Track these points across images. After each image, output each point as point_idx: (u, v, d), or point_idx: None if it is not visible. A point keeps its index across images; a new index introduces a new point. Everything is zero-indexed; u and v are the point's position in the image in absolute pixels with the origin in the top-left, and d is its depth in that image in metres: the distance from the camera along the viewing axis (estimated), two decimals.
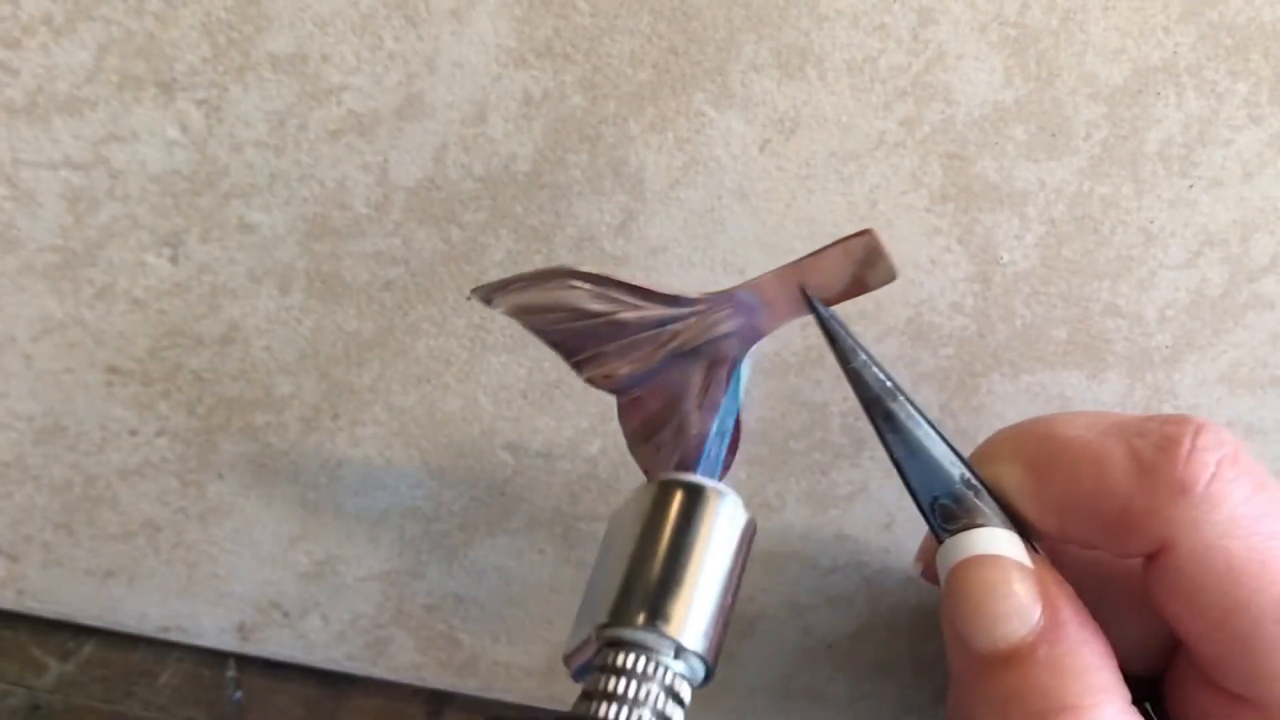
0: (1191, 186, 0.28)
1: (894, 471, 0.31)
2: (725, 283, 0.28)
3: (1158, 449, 0.21)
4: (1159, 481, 0.21)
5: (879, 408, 0.23)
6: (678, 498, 0.21)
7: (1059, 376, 0.30)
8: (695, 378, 0.24)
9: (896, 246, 0.28)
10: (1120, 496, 0.21)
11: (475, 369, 0.29)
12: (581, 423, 0.30)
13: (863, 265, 0.22)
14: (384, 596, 0.32)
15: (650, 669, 0.20)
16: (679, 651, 0.20)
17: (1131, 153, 0.27)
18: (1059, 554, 0.24)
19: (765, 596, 0.32)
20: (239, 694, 0.32)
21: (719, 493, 0.21)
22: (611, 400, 0.29)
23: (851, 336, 0.23)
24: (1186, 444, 0.21)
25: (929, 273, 0.28)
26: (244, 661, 0.33)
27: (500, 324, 0.28)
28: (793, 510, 0.31)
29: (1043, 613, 0.21)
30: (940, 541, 0.23)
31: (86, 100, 0.25)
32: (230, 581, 0.31)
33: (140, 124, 0.25)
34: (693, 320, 0.23)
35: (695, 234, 0.28)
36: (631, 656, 0.20)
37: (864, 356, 0.23)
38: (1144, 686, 0.22)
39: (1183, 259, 0.29)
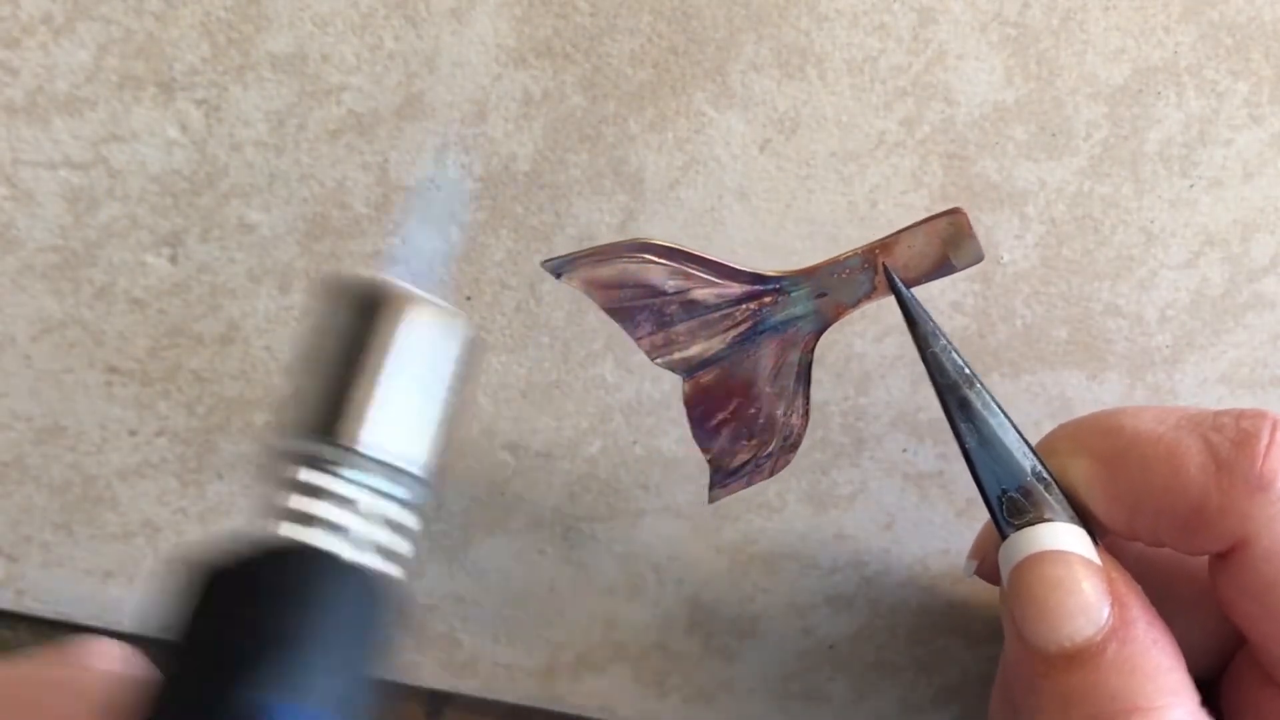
0: (1192, 186, 0.28)
1: (894, 470, 0.31)
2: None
3: (1235, 444, 0.21)
4: (1236, 477, 0.21)
5: (955, 395, 0.22)
6: (363, 300, 0.19)
7: (1059, 376, 0.30)
8: (766, 361, 0.23)
9: None
10: (1195, 492, 0.21)
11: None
12: (581, 423, 0.30)
13: (949, 244, 0.22)
14: None
15: (336, 485, 0.18)
16: (371, 463, 0.18)
17: (1132, 152, 0.27)
18: (1120, 552, 0.23)
19: (766, 597, 0.32)
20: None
21: (412, 293, 0.19)
22: (612, 401, 0.29)
23: (931, 320, 0.22)
24: (1265, 439, 0.21)
25: None
26: None
27: (500, 324, 0.28)
28: (793, 510, 0.31)
29: (1111, 611, 0.21)
30: (1004, 536, 0.22)
31: (86, 100, 0.25)
32: None
33: (140, 124, 0.25)
34: (768, 299, 0.22)
35: (695, 234, 0.27)
36: (314, 473, 0.18)
37: (944, 341, 0.22)
38: (1200, 689, 0.21)
39: (1183, 259, 0.29)
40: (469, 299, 0.28)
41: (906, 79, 0.26)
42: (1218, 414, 0.22)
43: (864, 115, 0.26)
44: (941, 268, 0.22)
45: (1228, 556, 0.21)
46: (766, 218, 0.27)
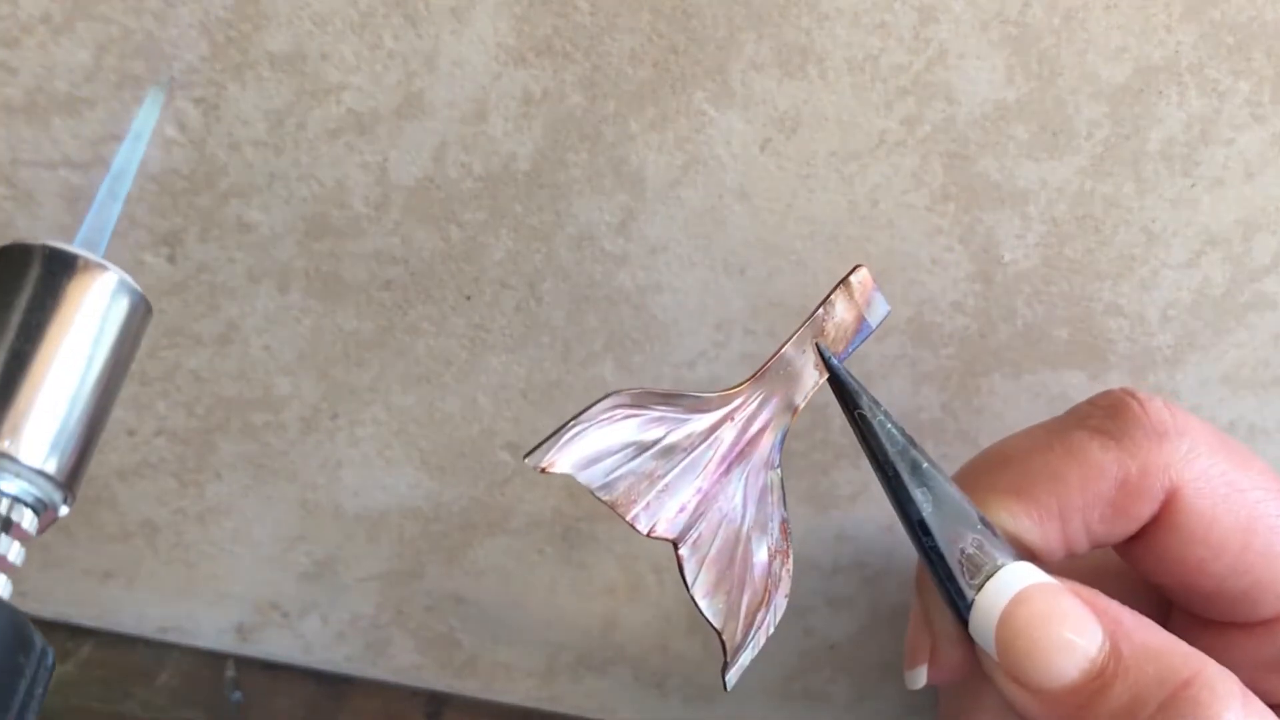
0: (1193, 186, 0.28)
1: None
2: (725, 282, 0.28)
3: (1112, 417, 0.22)
4: (1137, 439, 0.22)
5: (906, 459, 0.22)
6: (12, 269, 0.16)
7: (1061, 376, 0.30)
8: (743, 494, 0.23)
9: (897, 246, 0.28)
10: (1111, 470, 0.22)
11: (475, 369, 0.29)
12: None
13: (863, 305, 0.23)
14: (384, 597, 0.32)
15: None
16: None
17: (1133, 152, 0.27)
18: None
19: None
20: (238, 694, 0.32)
21: (66, 259, 0.16)
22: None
23: (865, 391, 0.22)
24: (1133, 402, 0.22)
25: (930, 272, 0.28)
26: (243, 662, 0.33)
27: (500, 324, 0.28)
28: (794, 511, 0.31)
29: (1098, 620, 0.21)
30: (968, 604, 0.22)
31: (86, 100, 0.25)
32: (229, 582, 0.31)
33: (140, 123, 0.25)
34: (729, 423, 0.23)
35: (695, 233, 0.27)
36: None
37: (883, 409, 0.22)
38: None
39: (1185, 258, 0.29)
40: (469, 299, 0.28)
41: (907, 78, 0.26)
42: (1074, 409, 0.23)
43: (865, 114, 0.26)
44: (860, 330, 0.23)
45: (1160, 517, 0.22)
46: (767, 217, 0.27)
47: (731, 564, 0.23)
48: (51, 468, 0.16)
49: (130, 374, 0.28)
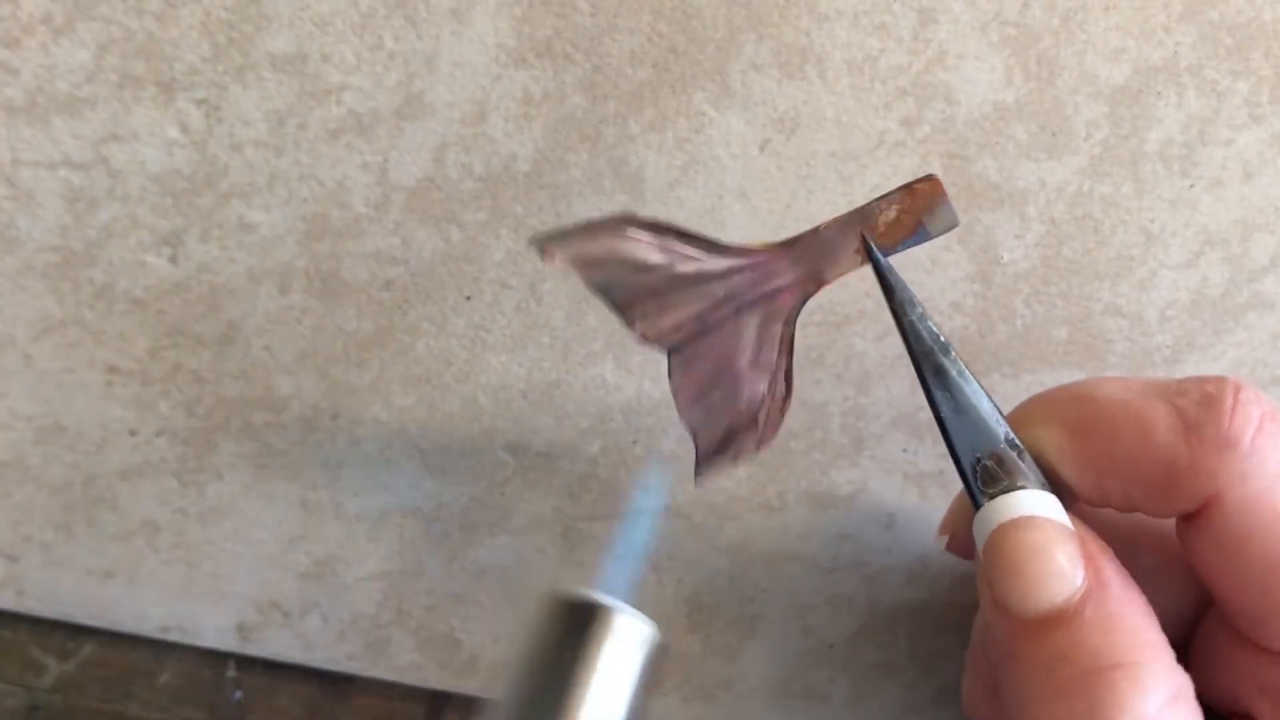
0: (1192, 186, 0.28)
1: (894, 470, 0.31)
2: None
3: (1201, 406, 0.22)
4: (1205, 437, 0.21)
5: (930, 362, 0.23)
6: (569, 616, 0.20)
7: (1060, 376, 0.30)
8: (749, 335, 0.23)
9: None
10: (1165, 454, 0.22)
11: (475, 369, 0.29)
12: (581, 423, 0.30)
13: (925, 211, 0.22)
14: (384, 596, 0.32)
15: None
16: None
17: (1132, 152, 0.27)
18: (1089, 518, 0.24)
19: (766, 597, 0.32)
20: (239, 694, 0.32)
21: (613, 611, 0.20)
22: (612, 401, 0.29)
23: (908, 288, 0.23)
24: (1229, 400, 0.21)
25: (929, 272, 0.28)
26: (244, 661, 0.33)
27: (500, 324, 0.28)
28: (793, 510, 0.31)
29: (1086, 573, 0.21)
30: (978, 506, 0.23)
31: (86, 100, 0.25)
32: (230, 581, 0.31)
33: (140, 124, 0.25)
34: (749, 273, 0.23)
35: None
36: None
37: (920, 309, 0.23)
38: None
39: (1183, 259, 0.29)
40: (469, 299, 0.28)
41: (907, 79, 0.26)
42: (1181, 381, 0.23)
43: (864, 115, 0.26)
44: (917, 234, 0.22)
45: (1198, 516, 0.22)
46: (766, 218, 0.27)
47: (719, 385, 0.23)
48: None
49: (131, 374, 0.28)
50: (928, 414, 0.30)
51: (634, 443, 0.30)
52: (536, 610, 0.20)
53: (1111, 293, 0.29)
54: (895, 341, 0.29)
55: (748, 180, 0.27)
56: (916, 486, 0.31)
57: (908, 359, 0.29)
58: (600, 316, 0.28)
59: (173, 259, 0.27)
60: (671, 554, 0.31)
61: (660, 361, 0.29)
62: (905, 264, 0.28)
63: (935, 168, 0.27)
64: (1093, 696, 0.20)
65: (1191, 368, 0.30)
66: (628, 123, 0.26)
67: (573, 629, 0.20)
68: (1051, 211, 0.28)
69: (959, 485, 0.32)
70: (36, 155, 0.25)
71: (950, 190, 0.27)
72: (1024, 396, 0.31)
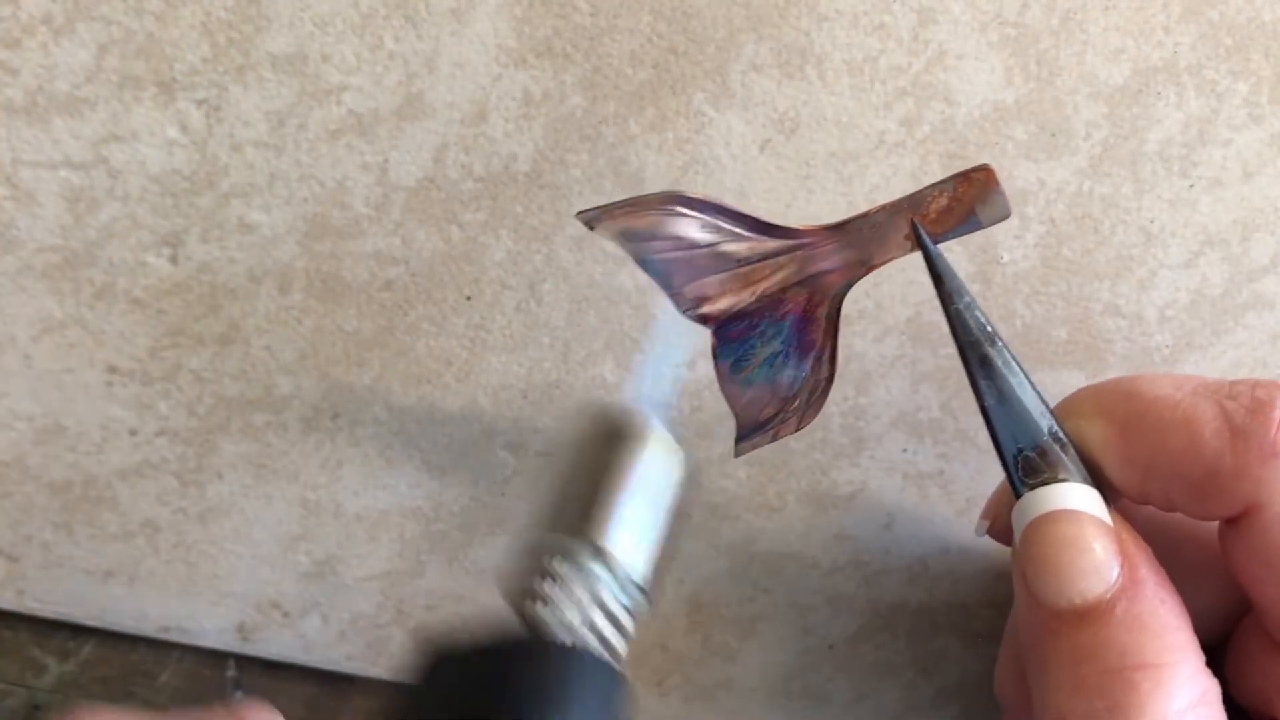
0: (1192, 186, 0.28)
1: (894, 470, 0.31)
2: None
3: (1250, 411, 0.21)
4: (1251, 443, 0.21)
5: (977, 351, 0.23)
6: (612, 428, 0.21)
7: (1059, 376, 0.30)
8: (794, 315, 0.23)
9: None
10: (1209, 457, 0.21)
11: (475, 369, 0.29)
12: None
13: (977, 200, 0.22)
14: (384, 596, 0.32)
15: (576, 575, 0.20)
16: (607, 564, 0.20)
17: (1132, 152, 0.27)
18: (1132, 515, 0.23)
19: (766, 597, 0.32)
20: (239, 694, 0.32)
21: (651, 427, 0.21)
22: (612, 401, 0.29)
23: (957, 277, 0.23)
24: (1279, 407, 0.21)
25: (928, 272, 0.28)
26: (244, 661, 0.33)
27: (500, 324, 0.28)
28: (793, 510, 0.31)
29: (1121, 570, 0.21)
30: (1018, 495, 0.23)
31: (86, 100, 0.25)
32: (230, 581, 0.31)
33: (140, 124, 0.25)
34: (797, 254, 0.23)
35: None
36: (557, 562, 0.20)
37: (968, 298, 0.23)
38: (1206, 654, 0.22)
39: (1183, 259, 0.29)
40: (469, 299, 0.28)
41: (906, 79, 0.26)
42: (1233, 383, 0.22)
43: (864, 115, 0.26)
44: (968, 223, 0.22)
45: (1239, 521, 0.22)
46: (767, 218, 0.27)
47: (760, 363, 0.24)
48: (629, 562, 0.20)
49: (131, 374, 0.28)
50: (928, 414, 0.30)
51: None
52: (585, 424, 0.22)
53: (1111, 293, 0.29)
54: (895, 341, 0.29)
55: (748, 180, 0.27)
56: (916, 486, 0.31)
57: (908, 359, 0.30)
58: (600, 316, 0.28)
59: (173, 259, 0.27)
60: (671, 554, 0.31)
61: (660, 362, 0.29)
62: (904, 263, 0.28)
63: (935, 168, 0.27)
64: (1115, 695, 0.20)
65: (1191, 368, 0.30)
66: (628, 123, 0.26)
67: (617, 441, 0.21)
68: (1051, 211, 0.28)
69: (960, 484, 0.32)
70: (36, 155, 0.25)
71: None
72: None
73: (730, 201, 0.22)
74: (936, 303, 0.29)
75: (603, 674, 0.20)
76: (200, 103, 0.25)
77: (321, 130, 0.25)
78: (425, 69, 0.25)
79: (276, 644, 0.32)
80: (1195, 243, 0.29)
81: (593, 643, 0.20)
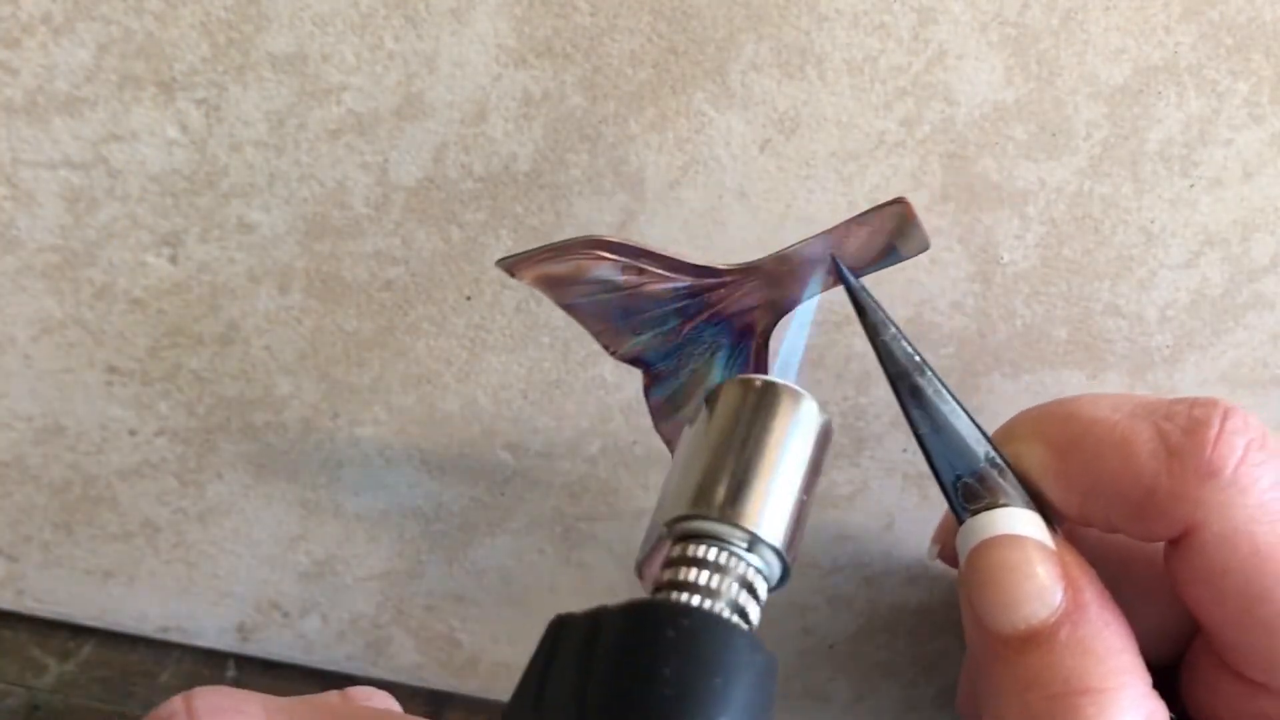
0: (1192, 186, 0.28)
1: (894, 470, 0.31)
2: None
3: (1185, 431, 0.21)
4: (1187, 464, 0.21)
5: (906, 382, 0.23)
6: (751, 396, 0.21)
7: (1059, 376, 0.30)
8: (722, 352, 0.23)
9: None
10: (1146, 478, 0.21)
11: (475, 369, 0.29)
12: (581, 423, 0.30)
13: (895, 234, 0.22)
14: (384, 596, 0.32)
15: (725, 560, 0.19)
16: (754, 544, 0.20)
17: (1132, 152, 0.27)
18: (1077, 537, 0.23)
19: None
20: None
21: (793, 391, 0.21)
22: (612, 401, 0.29)
23: (881, 309, 0.22)
24: (1215, 426, 0.21)
25: (929, 272, 0.28)
26: (244, 661, 0.33)
27: (500, 324, 0.28)
28: None
29: (1065, 594, 0.21)
30: (961, 521, 0.23)
31: (86, 100, 0.25)
32: (230, 581, 0.31)
33: (140, 124, 0.25)
34: (721, 292, 0.23)
35: (695, 234, 0.27)
36: (705, 547, 0.19)
37: (894, 330, 0.23)
38: (1159, 674, 0.21)
39: (1183, 259, 0.29)
40: (469, 299, 0.28)
41: (906, 79, 0.26)
42: (1172, 402, 0.22)
43: (864, 115, 0.26)
44: (888, 256, 0.22)
45: (1179, 543, 0.22)
46: (766, 218, 0.27)
47: (693, 400, 0.24)
48: (781, 545, 0.20)
49: (131, 374, 0.28)
50: None
51: (634, 443, 0.30)
52: (717, 394, 0.21)
53: (1111, 293, 0.29)
54: None
55: (748, 180, 0.27)
56: (916, 487, 0.31)
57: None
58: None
59: (173, 259, 0.27)
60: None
61: None
62: (906, 263, 0.28)
63: (935, 168, 0.27)
64: None
65: (1191, 368, 0.30)
66: (628, 123, 0.26)
67: (763, 405, 0.21)
68: (1051, 211, 0.28)
69: None
70: (36, 155, 0.25)
71: (950, 190, 0.27)
72: (1024, 397, 0.31)
73: (648, 243, 0.22)
74: (936, 303, 0.29)
75: (758, 654, 0.19)
76: (200, 102, 0.25)
77: (321, 130, 0.25)
78: (425, 69, 0.25)
79: (276, 644, 0.32)
80: (1196, 243, 0.29)
81: (741, 617, 0.20)
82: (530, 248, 0.22)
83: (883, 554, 0.32)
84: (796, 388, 0.21)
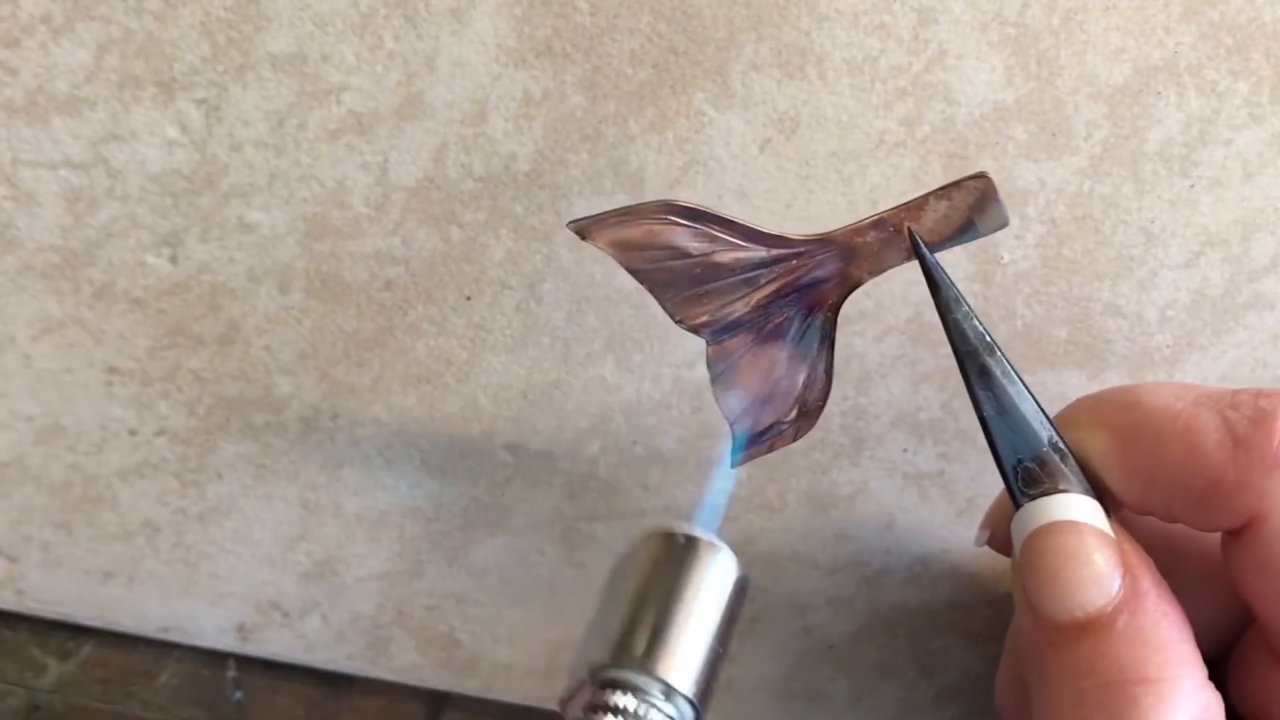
0: (1192, 186, 0.28)
1: (894, 470, 0.31)
2: None
3: (1252, 422, 0.21)
4: (1253, 454, 0.21)
5: (975, 361, 0.22)
6: (673, 549, 0.22)
7: (1060, 376, 0.30)
8: (790, 325, 0.23)
9: None
10: (1211, 468, 0.21)
11: (475, 369, 0.29)
12: (581, 423, 0.30)
13: (975, 209, 0.22)
14: (384, 596, 0.32)
15: (641, 710, 0.21)
16: (670, 694, 0.21)
17: (1132, 152, 0.27)
18: (1133, 526, 0.23)
19: (766, 597, 0.32)
20: (239, 694, 0.32)
21: (713, 546, 0.22)
22: (612, 401, 0.29)
23: (955, 286, 0.22)
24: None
25: None
26: (244, 661, 0.33)
27: (500, 324, 0.28)
28: (793, 510, 0.31)
29: (1122, 582, 0.21)
30: (1018, 506, 0.22)
31: (86, 100, 0.25)
32: (230, 582, 0.31)
33: (140, 124, 0.25)
34: (792, 263, 0.23)
35: None
36: (623, 696, 0.21)
37: (966, 308, 0.22)
38: (1208, 667, 0.21)
39: (1183, 259, 0.29)
40: (469, 299, 0.28)
41: (906, 79, 0.26)
42: (1236, 392, 0.22)
43: (864, 115, 0.26)
44: (966, 232, 0.22)
45: (1241, 533, 0.22)
46: (766, 218, 0.27)
47: (754, 373, 0.23)
48: (694, 695, 0.21)
49: (131, 374, 0.28)
50: (928, 414, 0.30)
51: (634, 443, 0.30)
52: (642, 544, 0.23)
53: (1111, 293, 0.29)
54: (895, 341, 0.29)
55: (748, 180, 0.27)
56: (916, 487, 0.31)
57: (908, 359, 0.30)
58: (600, 316, 0.28)
59: (173, 259, 0.27)
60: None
61: (660, 361, 0.29)
62: (905, 264, 0.28)
63: (935, 168, 0.27)
64: (1115, 710, 0.20)
65: (1192, 368, 0.30)
66: (628, 123, 0.26)
67: (684, 558, 0.22)
68: (1051, 211, 0.28)
69: (960, 485, 0.32)
70: (36, 155, 0.25)
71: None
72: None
73: (724, 210, 0.22)
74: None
75: None
76: (200, 102, 0.25)
77: (321, 130, 0.25)
78: (425, 69, 0.25)
79: (276, 644, 0.32)
80: (1196, 243, 0.29)
81: None
82: (604, 210, 0.22)
83: (883, 554, 0.32)
84: (715, 541, 0.22)
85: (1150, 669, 0.20)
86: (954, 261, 0.28)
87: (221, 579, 0.31)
